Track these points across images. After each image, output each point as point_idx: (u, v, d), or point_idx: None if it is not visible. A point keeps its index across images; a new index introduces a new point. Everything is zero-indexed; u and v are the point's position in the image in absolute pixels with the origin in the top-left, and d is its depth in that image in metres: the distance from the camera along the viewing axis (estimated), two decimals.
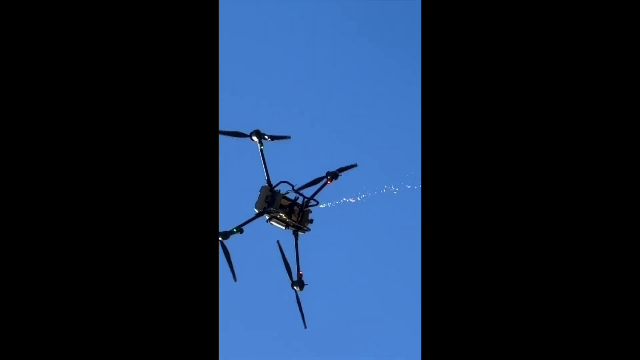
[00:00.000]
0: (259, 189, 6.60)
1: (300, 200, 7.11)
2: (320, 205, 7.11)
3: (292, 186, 7.04)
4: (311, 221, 7.05)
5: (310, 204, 7.11)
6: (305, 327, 6.58)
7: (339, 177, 6.95)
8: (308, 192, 7.15)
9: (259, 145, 6.76)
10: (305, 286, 6.78)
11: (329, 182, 6.96)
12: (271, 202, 6.82)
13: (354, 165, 6.70)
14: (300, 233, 7.01)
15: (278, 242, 6.52)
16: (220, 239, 6.45)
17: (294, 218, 6.96)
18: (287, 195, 7.10)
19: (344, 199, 7.03)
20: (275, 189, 6.93)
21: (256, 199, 6.74)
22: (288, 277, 6.52)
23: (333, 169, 6.90)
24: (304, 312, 6.60)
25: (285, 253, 6.76)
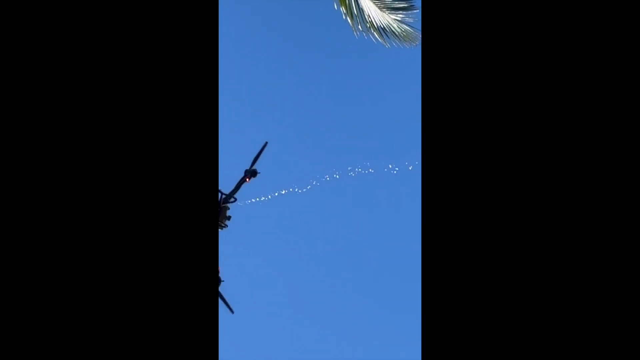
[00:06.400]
0: None
1: (218, 197, 7.07)
2: (239, 203, 7.09)
3: None
4: (229, 218, 7.00)
5: (228, 201, 7.06)
6: (232, 313, 6.63)
7: (258, 174, 6.92)
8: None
9: None
10: (222, 282, 6.76)
11: (247, 180, 6.92)
12: None
13: (265, 145, 6.72)
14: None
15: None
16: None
17: None
18: None
19: (258, 198, 7.07)
20: None
21: None
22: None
23: (253, 167, 6.87)
24: (227, 301, 6.63)
25: None
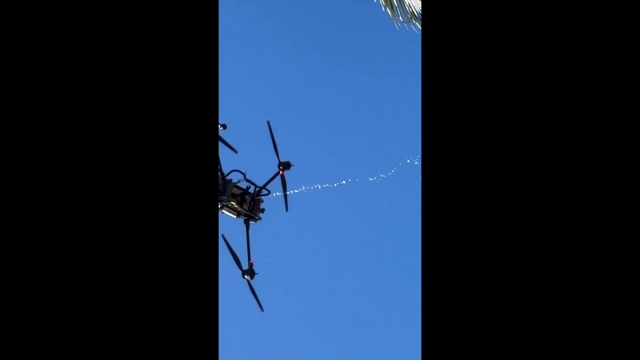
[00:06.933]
0: None
1: (252, 190, 7.12)
2: (273, 194, 7.13)
3: (244, 174, 7.02)
4: (262, 210, 7.03)
5: (262, 193, 7.11)
6: (262, 311, 6.74)
7: (292, 166, 6.93)
8: (260, 181, 7.15)
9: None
10: (256, 275, 6.82)
11: (281, 172, 6.95)
12: (222, 191, 6.78)
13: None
14: (251, 222, 7.01)
15: (223, 236, 6.59)
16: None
17: (245, 207, 6.93)
18: (238, 184, 7.07)
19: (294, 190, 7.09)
20: (227, 177, 6.92)
21: None
22: (238, 268, 6.64)
23: (285, 159, 6.89)
24: (258, 297, 6.72)
25: (237, 242, 6.79)
